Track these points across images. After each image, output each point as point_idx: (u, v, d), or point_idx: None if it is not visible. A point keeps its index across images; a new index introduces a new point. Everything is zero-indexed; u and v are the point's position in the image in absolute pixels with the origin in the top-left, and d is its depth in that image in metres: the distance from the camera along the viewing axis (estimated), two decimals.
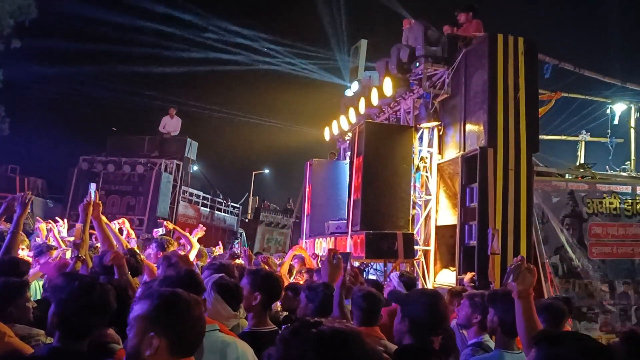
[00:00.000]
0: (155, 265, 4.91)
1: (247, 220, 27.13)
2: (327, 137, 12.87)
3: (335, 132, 12.37)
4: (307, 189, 12.12)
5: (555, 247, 7.99)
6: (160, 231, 8.13)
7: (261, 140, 27.04)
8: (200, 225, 7.25)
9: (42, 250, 5.25)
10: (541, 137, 8.82)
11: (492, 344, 3.70)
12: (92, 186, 4.52)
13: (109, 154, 17.13)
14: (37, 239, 6.79)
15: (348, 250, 8.90)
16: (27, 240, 5.86)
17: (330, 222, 10.49)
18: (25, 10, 19.49)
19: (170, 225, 6.93)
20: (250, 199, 31.04)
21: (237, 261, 6.58)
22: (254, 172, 33.75)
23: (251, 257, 6.01)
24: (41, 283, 4.56)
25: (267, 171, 35.23)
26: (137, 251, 4.97)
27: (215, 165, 28.51)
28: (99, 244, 4.85)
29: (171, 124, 18.17)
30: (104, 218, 4.74)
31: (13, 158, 19.64)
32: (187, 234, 6.76)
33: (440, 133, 9.33)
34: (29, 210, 4.30)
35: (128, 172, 16.42)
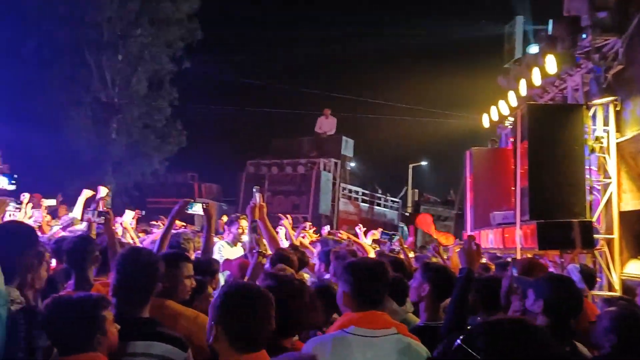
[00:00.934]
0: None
1: (407, 214, 26.98)
2: (486, 123, 12.28)
3: (495, 117, 11.76)
4: (468, 180, 11.70)
5: None
6: (327, 228, 8.47)
7: (416, 132, 26.72)
8: (380, 229, 7.28)
9: (232, 220, 6.00)
10: None
11: None
12: (256, 190, 4.88)
13: (272, 157, 18.16)
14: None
15: (517, 243, 8.43)
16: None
17: (495, 212, 10.02)
18: (192, 32, 21.41)
19: (344, 235, 7.10)
20: (410, 192, 30.83)
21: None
22: (411, 165, 33.47)
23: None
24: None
25: (424, 163, 34.70)
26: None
27: (372, 161, 28.83)
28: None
29: (326, 124, 18.72)
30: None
31: (192, 167, 21.76)
32: (361, 242, 6.81)
33: (617, 109, 8.39)
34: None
35: (290, 172, 17.25)
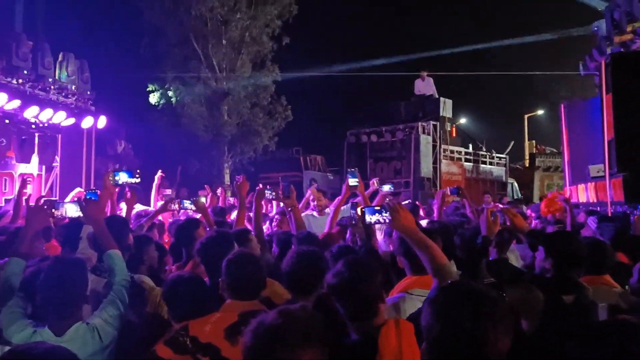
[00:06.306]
0: None
1: (520, 168, 26.18)
2: (581, 71, 11.77)
3: (591, 66, 11.24)
4: (564, 134, 11.39)
5: None
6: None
7: (525, 83, 25.54)
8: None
9: None
10: None
11: None
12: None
13: (371, 124, 18.53)
14: None
15: (608, 197, 8.24)
16: None
17: (590, 166, 9.77)
18: (288, 9, 22.08)
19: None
20: (526, 144, 29.78)
21: None
22: (526, 116, 32.09)
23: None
24: None
25: (540, 112, 33.12)
26: None
27: (475, 119, 28.29)
28: None
29: (423, 86, 18.70)
30: None
31: (299, 141, 22.75)
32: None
33: None
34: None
35: (389, 139, 17.55)
